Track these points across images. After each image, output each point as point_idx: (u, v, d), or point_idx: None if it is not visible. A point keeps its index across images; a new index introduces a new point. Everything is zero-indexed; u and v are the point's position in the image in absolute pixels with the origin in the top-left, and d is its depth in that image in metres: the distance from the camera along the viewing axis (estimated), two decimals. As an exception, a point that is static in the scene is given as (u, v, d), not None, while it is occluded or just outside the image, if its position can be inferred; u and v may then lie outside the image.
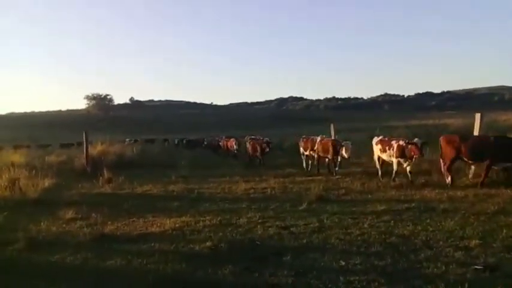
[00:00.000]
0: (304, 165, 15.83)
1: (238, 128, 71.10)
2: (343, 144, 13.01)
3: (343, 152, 12.80)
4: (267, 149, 17.17)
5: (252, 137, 22.31)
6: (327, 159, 14.51)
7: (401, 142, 11.14)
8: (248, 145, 19.20)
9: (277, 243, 6.40)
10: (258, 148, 17.61)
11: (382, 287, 4.55)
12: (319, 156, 14.60)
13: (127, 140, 46.14)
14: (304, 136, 16.61)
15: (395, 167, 11.39)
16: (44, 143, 35.98)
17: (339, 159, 13.51)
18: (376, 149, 12.38)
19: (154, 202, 10.34)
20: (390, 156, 11.53)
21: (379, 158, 12.33)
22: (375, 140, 12.64)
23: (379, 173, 12.24)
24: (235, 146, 22.09)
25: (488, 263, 5.03)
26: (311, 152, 15.25)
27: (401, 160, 11.17)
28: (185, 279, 5.09)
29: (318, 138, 14.88)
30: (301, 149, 16.19)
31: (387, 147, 11.65)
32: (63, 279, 5.27)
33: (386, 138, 12.21)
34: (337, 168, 13.54)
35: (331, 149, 13.51)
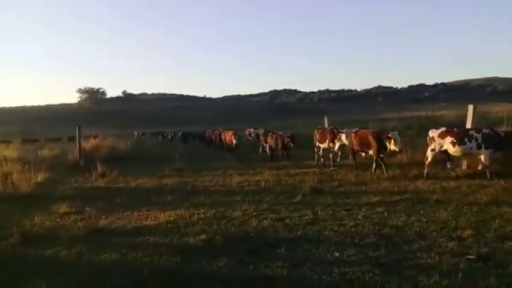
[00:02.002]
0: (316, 158, 14.72)
1: (233, 121, 71.07)
2: (390, 135, 11.17)
3: (392, 145, 11.02)
4: (291, 144, 15.67)
5: (260, 129, 22.36)
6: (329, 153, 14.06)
7: (485, 130, 9.96)
8: (270, 139, 17.52)
9: (272, 235, 6.41)
10: (280, 142, 16.17)
11: (376, 277, 4.57)
12: (353, 150, 12.65)
13: (135, 132, 46.57)
14: (319, 127, 15.32)
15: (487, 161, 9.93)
16: (54, 136, 35.67)
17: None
18: (443, 142, 10.50)
19: (149, 196, 10.32)
20: (471, 148, 10.02)
21: (445, 151, 10.59)
22: (436, 132, 10.82)
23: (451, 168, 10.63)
24: (234, 141, 20.34)
25: (481, 253, 5.07)
26: (330, 145, 13.91)
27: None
28: (180, 272, 5.08)
29: (344, 129, 13.55)
30: (316, 142, 14.81)
31: (467, 139, 10.05)
32: (57, 273, 5.25)
33: (455, 129, 10.67)
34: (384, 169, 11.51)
35: (374, 142, 11.54)
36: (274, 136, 17.01)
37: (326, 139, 14.12)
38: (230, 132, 21.54)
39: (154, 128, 63.00)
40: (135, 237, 6.62)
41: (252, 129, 24.24)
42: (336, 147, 13.90)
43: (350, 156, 13.01)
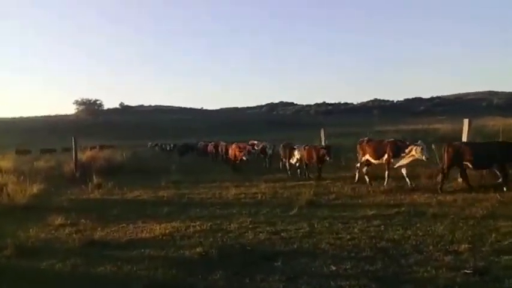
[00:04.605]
0: (357, 176, 12.59)
1: (230, 133, 71.10)
2: None
3: None
4: (327, 158, 13.35)
5: (264, 142, 21.05)
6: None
7: None
8: (299, 153, 14.92)
9: (268, 248, 6.39)
10: (315, 155, 13.83)
11: (373, 291, 4.56)
12: (448, 165, 10.51)
13: (149, 143, 47.69)
14: (366, 138, 12.95)
15: None
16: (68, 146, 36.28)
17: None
18: None
19: (145, 208, 10.28)
20: None
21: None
22: None
23: None
24: (244, 158, 17.22)
25: (478, 267, 5.06)
26: (391, 160, 11.38)
27: None
28: (176, 285, 5.07)
29: (418, 141, 10.93)
30: (364, 156, 12.42)
31: None
32: (52, 286, 5.21)
33: None
34: None
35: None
36: (307, 148, 14.62)
37: (384, 152, 11.58)
38: (234, 146, 18.86)
39: (151, 140, 63.28)
40: (131, 250, 6.58)
41: (255, 142, 23.38)
42: (405, 162, 11.25)
43: (442, 175, 10.55)
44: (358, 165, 12.70)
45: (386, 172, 11.49)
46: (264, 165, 19.10)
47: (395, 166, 11.40)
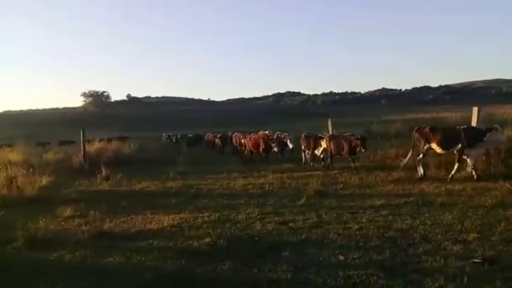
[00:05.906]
0: (421, 171, 10.87)
1: (237, 124, 71.02)
2: None
3: None
4: (362, 149, 12.18)
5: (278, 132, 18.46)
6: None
7: None
8: (325, 143, 13.80)
9: (276, 238, 6.39)
10: (346, 147, 12.63)
11: (381, 281, 4.54)
12: None
13: (164, 134, 48.73)
14: (421, 126, 11.21)
15: None
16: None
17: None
18: None
19: (153, 199, 10.33)
20: None
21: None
22: None
23: None
24: (275, 149, 16.24)
25: (487, 256, 5.03)
26: (456, 151, 10.22)
27: None
28: (184, 275, 5.08)
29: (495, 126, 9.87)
30: (427, 145, 10.88)
31: None
32: (61, 277, 5.25)
33: None
34: None
35: None
36: (335, 139, 13.33)
37: (458, 141, 10.16)
38: (254, 136, 17.56)
39: (159, 131, 63.65)
40: (139, 241, 6.62)
41: (267, 132, 21.59)
42: (481, 152, 10.32)
43: None
44: (420, 156, 11.01)
45: (457, 164, 10.18)
46: (277, 157, 17.69)
47: (467, 157, 10.24)
